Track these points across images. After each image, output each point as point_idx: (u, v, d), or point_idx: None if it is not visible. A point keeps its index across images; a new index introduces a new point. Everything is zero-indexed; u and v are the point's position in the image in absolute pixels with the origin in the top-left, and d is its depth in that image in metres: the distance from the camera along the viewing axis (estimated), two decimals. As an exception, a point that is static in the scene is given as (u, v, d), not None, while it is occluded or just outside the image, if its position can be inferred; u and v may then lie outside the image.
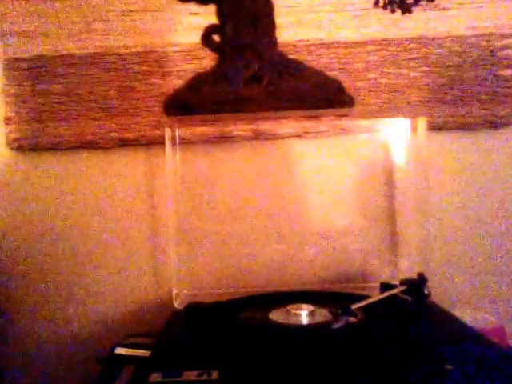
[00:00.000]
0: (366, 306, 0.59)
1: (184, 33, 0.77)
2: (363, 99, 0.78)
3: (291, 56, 0.76)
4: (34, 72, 0.78)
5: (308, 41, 0.78)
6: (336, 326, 0.54)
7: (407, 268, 0.76)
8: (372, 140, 0.79)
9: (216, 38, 0.66)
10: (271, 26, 0.65)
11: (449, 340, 0.54)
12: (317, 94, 0.64)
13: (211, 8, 0.66)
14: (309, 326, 0.58)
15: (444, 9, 0.78)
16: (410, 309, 0.62)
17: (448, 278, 0.79)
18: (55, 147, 0.79)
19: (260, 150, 0.79)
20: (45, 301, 0.80)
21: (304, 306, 0.60)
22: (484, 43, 0.78)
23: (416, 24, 0.78)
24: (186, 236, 0.78)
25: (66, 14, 0.78)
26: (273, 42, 0.66)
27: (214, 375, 0.46)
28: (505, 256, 0.80)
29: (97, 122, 0.78)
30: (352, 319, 0.56)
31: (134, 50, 0.78)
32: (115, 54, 0.78)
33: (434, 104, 0.78)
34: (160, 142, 0.76)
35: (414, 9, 0.76)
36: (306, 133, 0.79)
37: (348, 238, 0.79)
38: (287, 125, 0.78)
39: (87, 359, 0.78)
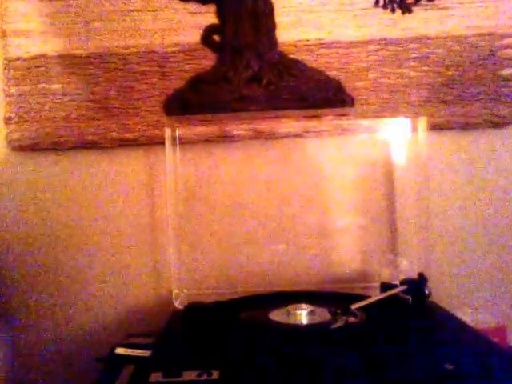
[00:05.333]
0: (366, 305, 0.59)
1: (184, 33, 0.77)
2: (363, 99, 0.78)
3: (291, 56, 0.76)
4: (34, 72, 0.78)
5: (308, 41, 0.78)
6: (335, 325, 0.54)
7: (407, 268, 0.76)
8: (372, 140, 0.79)
9: (216, 37, 0.66)
10: (271, 25, 0.65)
11: (449, 340, 0.54)
12: (317, 93, 0.64)
13: (211, 8, 0.66)
14: (309, 325, 0.58)
15: (444, 8, 0.78)
16: (410, 309, 0.62)
17: (448, 278, 0.79)
18: (55, 147, 0.79)
19: (260, 150, 0.79)
20: (45, 301, 0.80)
21: (304, 305, 0.60)
22: (484, 43, 0.78)
23: (416, 23, 0.77)
24: (186, 236, 0.78)
25: (66, 14, 0.78)
26: (273, 41, 0.66)
27: (214, 375, 0.46)
28: (505, 256, 0.80)
29: (97, 122, 0.78)
30: (352, 319, 0.56)
31: (133, 50, 0.78)
32: (115, 54, 0.78)
33: (434, 104, 0.78)
34: (160, 142, 0.75)
35: (414, 8, 0.76)
36: (306, 132, 0.79)
37: (348, 238, 0.79)
38: (287, 125, 0.78)
39: (87, 359, 0.78)
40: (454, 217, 0.80)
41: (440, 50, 0.78)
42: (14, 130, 0.78)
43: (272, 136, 0.79)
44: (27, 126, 0.78)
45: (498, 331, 0.69)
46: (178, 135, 0.76)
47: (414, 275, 0.66)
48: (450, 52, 0.78)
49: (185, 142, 0.77)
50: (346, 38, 0.78)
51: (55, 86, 0.78)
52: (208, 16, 0.71)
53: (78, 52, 0.78)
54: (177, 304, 0.72)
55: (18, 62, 0.78)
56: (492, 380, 0.45)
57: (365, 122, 0.78)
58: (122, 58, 0.78)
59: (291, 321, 0.58)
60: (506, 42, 0.78)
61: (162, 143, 0.74)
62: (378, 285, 0.69)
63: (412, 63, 0.78)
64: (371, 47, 0.78)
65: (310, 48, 0.78)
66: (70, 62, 0.78)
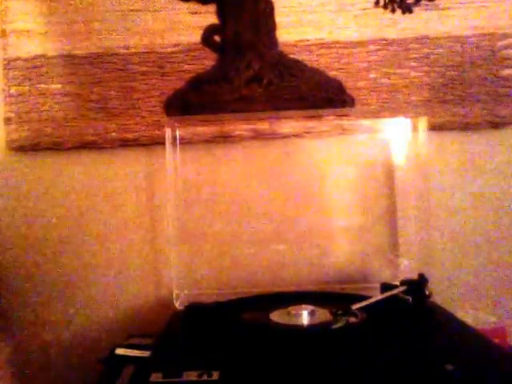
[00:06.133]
0: (367, 306, 0.59)
1: (184, 33, 0.77)
2: (364, 99, 0.78)
3: (292, 56, 0.76)
4: (34, 72, 0.78)
5: (308, 41, 0.78)
6: (336, 326, 0.54)
7: (408, 268, 0.76)
8: (372, 140, 0.79)
9: (216, 37, 0.66)
10: (272, 25, 0.65)
11: (449, 340, 0.54)
12: (317, 93, 0.64)
13: (212, 8, 0.66)
14: (309, 326, 0.58)
15: (444, 8, 0.78)
16: (411, 309, 0.62)
17: (448, 278, 0.79)
18: (55, 147, 0.79)
19: (260, 150, 0.79)
20: (45, 301, 0.79)
21: (304, 306, 0.60)
22: (485, 43, 0.78)
23: (416, 24, 0.77)
24: (186, 236, 0.78)
25: (66, 14, 0.78)
26: (273, 41, 0.66)
27: (215, 376, 0.46)
28: (505, 256, 0.80)
29: (97, 122, 0.78)
30: (352, 319, 0.56)
31: (133, 50, 0.78)
32: (115, 54, 0.78)
33: (434, 104, 0.78)
34: (160, 142, 0.75)
35: (415, 8, 0.76)
36: (307, 133, 0.79)
37: (348, 238, 0.79)
38: (287, 125, 0.78)
39: (88, 360, 0.78)
40: (454, 217, 0.80)
41: (440, 50, 0.78)
42: (13, 130, 0.78)
43: (272, 136, 0.79)
44: (27, 126, 0.78)
45: (498, 331, 0.69)
46: (178, 135, 0.76)
47: (415, 276, 0.66)
48: (450, 52, 0.78)
49: (185, 143, 0.77)
50: (346, 38, 0.78)
51: (55, 86, 0.78)
52: (208, 16, 0.71)
53: (78, 52, 0.78)
54: (177, 304, 0.72)
55: (18, 62, 0.78)
56: (492, 380, 0.45)
57: (365, 122, 0.78)
58: (122, 58, 0.78)
59: (292, 321, 0.58)
60: (506, 42, 0.78)
61: (163, 143, 0.74)
62: (378, 285, 0.69)
63: (412, 63, 0.78)
64: (371, 47, 0.78)
65: (310, 48, 0.77)
66: (69, 62, 0.78)
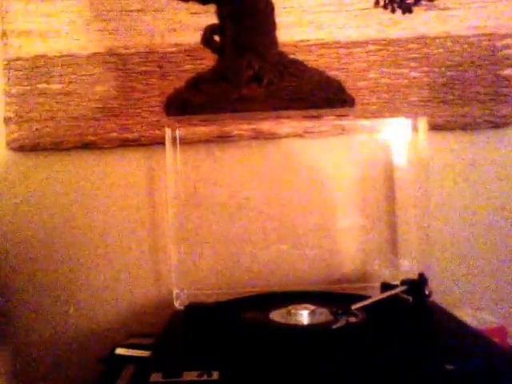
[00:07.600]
0: (367, 306, 0.59)
1: (184, 33, 0.77)
2: (364, 99, 0.78)
3: (292, 56, 0.76)
4: (34, 72, 0.78)
5: (308, 41, 0.78)
6: (336, 326, 0.54)
7: (408, 268, 0.76)
8: (372, 140, 0.79)
9: (216, 38, 0.66)
10: (272, 25, 0.65)
11: (449, 340, 0.54)
12: (317, 93, 0.64)
13: (212, 8, 0.66)
14: (309, 326, 0.58)
15: (444, 8, 0.78)
16: (411, 309, 0.62)
17: (448, 277, 0.79)
18: (55, 147, 0.79)
19: (260, 150, 0.79)
20: (45, 301, 0.80)
21: (304, 306, 0.60)
22: (485, 43, 0.78)
23: (416, 24, 0.78)
24: (186, 236, 0.78)
25: (66, 14, 0.78)
26: (273, 41, 0.66)
27: (215, 375, 0.46)
28: (505, 256, 0.80)
29: (97, 122, 0.78)
30: (352, 319, 0.56)
31: (133, 50, 0.78)
32: (115, 54, 0.78)
33: (434, 104, 0.78)
34: (160, 142, 0.76)
35: (415, 8, 0.76)
36: (307, 133, 0.79)
37: (348, 238, 0.79)
38: (287, 125, 0.78)
39: (88, 359, 0.78)
40: (454, 217, 0.80)
41: (440, 50, 0.78)
42: (13, 130, 0.78)
43: (272, 136, 0.79)
44: (27, 126, 0.78)
45: (498, 331, 0.69)
46: (178, 135, 0.76)
47: (415, 275, 0.66)
48: (450, 52, 0.78)
49: (185, 143, 0.77)
50: (346, 38, 0.78)
51: (55, 86, 0.78)
52: (208, 16, 0.71)
53: (78, 52, 0.78)
54: (177, 304, 0.72)
55: (18, 62, 0.78)
56: (492, 380, 0.45)
57: (365, 122, 0.78)
58: (122, 58, 0.78)
59: (292, 321, 0.58)
60: (506, 42, 0.78)
61: (162, 143, 0.74)
62: (378, 285, 0.69)
63: (412, 63, 0.78)
64: (371, 47, 0.78)
65: (310, 48, 0.78)
66: (69, 62, 0.78)
